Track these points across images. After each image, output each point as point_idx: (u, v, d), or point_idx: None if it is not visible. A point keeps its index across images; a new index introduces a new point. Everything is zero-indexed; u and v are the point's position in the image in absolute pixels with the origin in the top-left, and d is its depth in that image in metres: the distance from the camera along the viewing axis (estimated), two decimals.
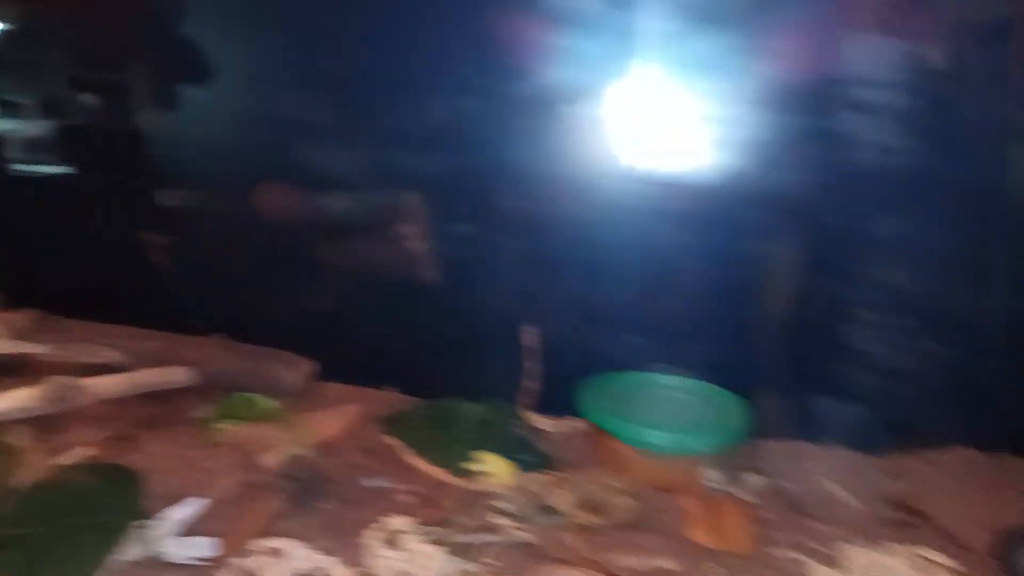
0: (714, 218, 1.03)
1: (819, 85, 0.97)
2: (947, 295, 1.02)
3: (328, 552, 0.74)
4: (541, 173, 1.06)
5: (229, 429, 0.86)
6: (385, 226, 1.12)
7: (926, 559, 0.80)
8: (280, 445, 0.86)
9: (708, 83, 0.98)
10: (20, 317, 1.07)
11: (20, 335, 1.04)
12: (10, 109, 1.24)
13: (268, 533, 0.77)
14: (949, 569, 0.79)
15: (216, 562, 0.72)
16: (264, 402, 0.87)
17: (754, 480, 0.95)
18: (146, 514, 0.75)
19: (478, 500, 0.85)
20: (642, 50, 0.99)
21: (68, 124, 1.21)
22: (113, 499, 0.73)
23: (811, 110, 0.97)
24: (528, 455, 0.96)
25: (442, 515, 0.81)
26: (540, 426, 1.06)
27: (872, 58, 0.95)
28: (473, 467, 0.91)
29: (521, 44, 1.01)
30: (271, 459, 0.85)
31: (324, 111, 1.11)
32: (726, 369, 1.05)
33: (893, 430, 1.05)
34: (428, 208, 1.12)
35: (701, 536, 0.82)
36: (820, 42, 0.96)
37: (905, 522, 0.90)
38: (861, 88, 0.96)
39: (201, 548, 0.73)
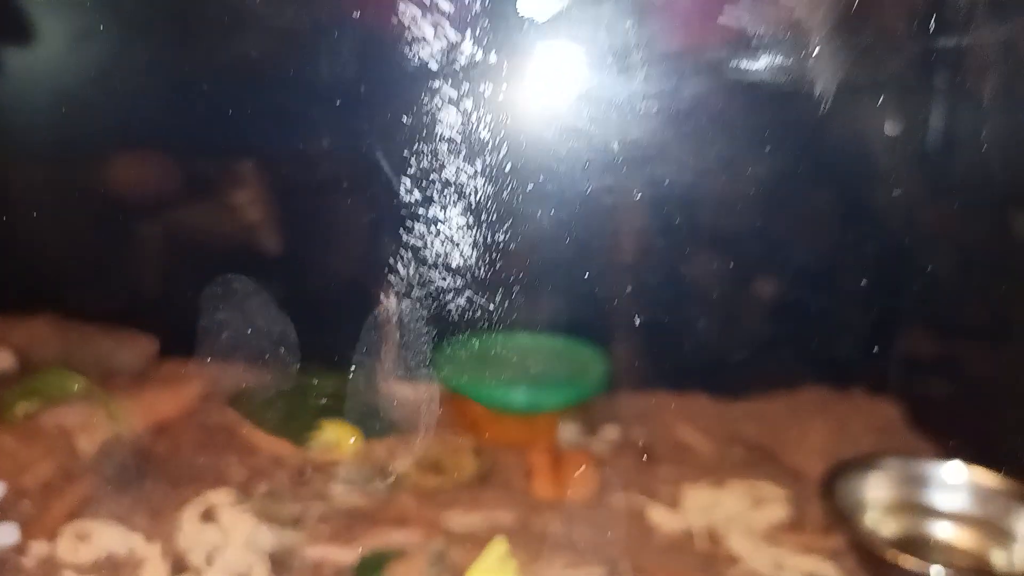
0: (562, 169, 1.01)
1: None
2: (796, 236, 1.03)
3: (141, 531, 0.70)
4: (387, 133, 1.02)
5: (23, 410, 0.81)
6: (219, 194, 1.07)
7: (761, 493, 0.80)
8: (100, 426, 0.81)
9: None
10: None
11: None
12: None
13: (79, 516, 0.72)
14: (781, 500, 0.80)
15: (17, 550, 0.68)
16: (70, 380, 0.81)
17: (610, 432, 0.94)
18: None
19: (317, 470, 0.82)
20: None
21: None
22: None
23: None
24: (378, 423, 0.93)
25: (273, 487, 0.78)
26: (396, 393, 1.03)
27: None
28: (316, 437, 0.87)
29: None
30: (89, 441, 0.80)
31: (154, 71, 1.04)
32: (584, 323, 1.03)
33: (748, 374, 1.05)
34: (264, 174, 1.07)
35: (543, 489, 0.81)
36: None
37: (751, 461, 0.91)
38: None
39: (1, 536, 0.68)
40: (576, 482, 0.82)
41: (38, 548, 0.67)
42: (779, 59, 0.87)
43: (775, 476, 0.86)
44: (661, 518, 0.78)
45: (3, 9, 1.05)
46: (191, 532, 0.68)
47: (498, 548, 0.66)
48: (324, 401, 0.96)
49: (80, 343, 1.03)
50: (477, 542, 0.70)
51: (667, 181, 0.99)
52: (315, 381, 0.99)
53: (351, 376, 1.01)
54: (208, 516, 0.71)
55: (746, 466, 0.90)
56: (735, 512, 0.78)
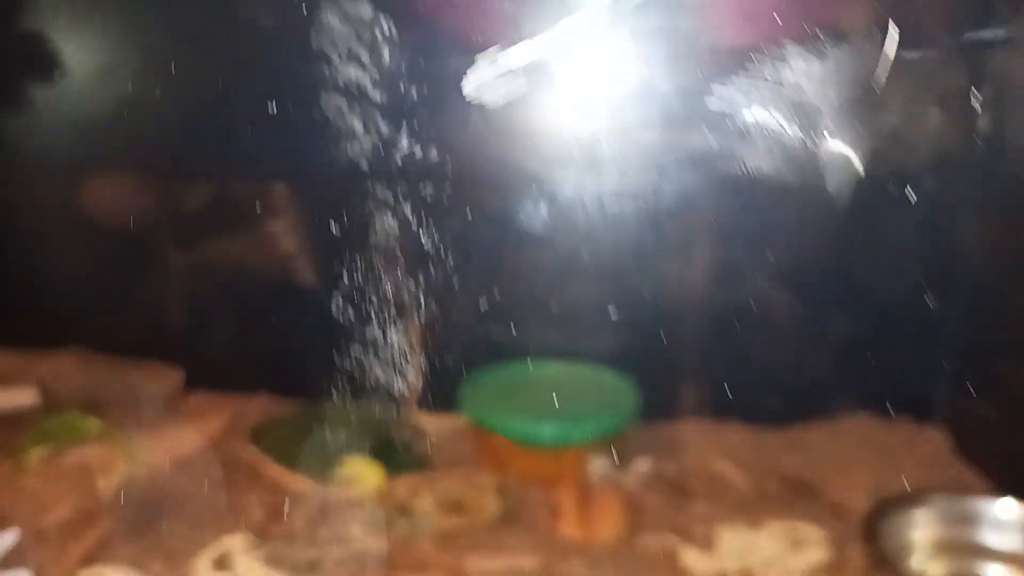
0: (589, 196, 0.98)
1: None
2: (840, 261, 0.99)
3: None
4: (422, 159, 1.00)
5: (39, 455, 0.80)
6: (251, 222, 1.06)
7: (800, 534, 0.77)
8: (119, 465, 0.80)
9: None
10: None
11: None
12: None
13: (94, 561, 0.71)
14: (821, 541, 0.76)
15: None
16: (87, 422, 0.80)
17: (641, 465, 0.91)
18: None
19: (334, 510, 0.80)
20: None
21: None
22: None
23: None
24: (402, 457, 0.91)
25: (290, 529, 0.76)
26: (422, 425, 1.01)
27: None
28: (337, 473, 0.85)
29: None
30: (108, 481, 0.79)
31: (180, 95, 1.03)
32: (613, 351, 1.00)
33: (787, 402, 1.01)
34: (298, 201, 1.06)
35: (570, 529, 0.78)
36: None
37: (789, 496, 0.87)
38: None
39: None
40: (605, 521, 0.79)
41: None
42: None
43: (815, 513, 0.82)
44: (694, 560, 0.74)
45: (29, 44, 1.05)
46: None
47: None
48: (346, 435, 0.94)
49: (105, 376, 1.03)
50: None
51: (697, 205, 0.96)
52: (337, 414, 0.97)
53: (374, 409, 0.99)
54: (222, 563, 0.69)
55: (784, 502, 0.86)
56: (772, 555, 0.74)
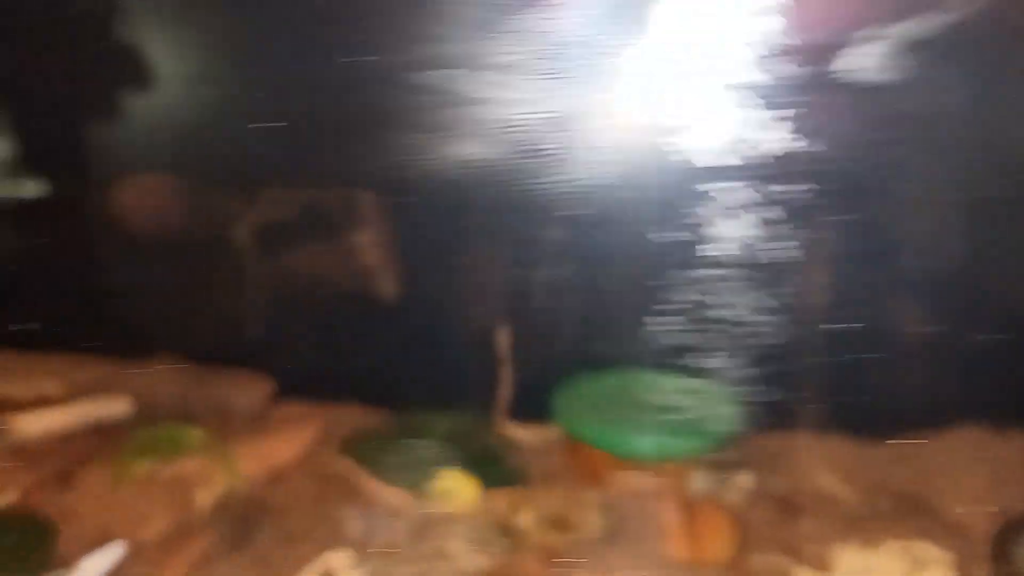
0: (698, 207, 0.95)
1: None
2: (949, 271, 0.95)
3: None
4: (512, 166, 0.98)
5: (143, 468, 0.79)
6: (337, 233, 1.05)
7: (920, 555, 0.73)
8: (217, 479, 0.79)
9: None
10: None
11: None
12: None
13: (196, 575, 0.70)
14: (942, 562, 0.72)
15: None
16: (189, 435, 0.80)
17: (744, 480, 0.87)
18: (58, 565, 0.69)
19: (434, 524, 0.78)
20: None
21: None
22: (19, 549, 0.67)
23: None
24: (497, 470, 0.89)
25: (390, 545, 0.74)
26: (515, 436, 0.99)
27: None
28: (433, 487, 0.83)
29: None
30: (206, 495, 0.79)
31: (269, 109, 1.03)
32: (716, 362, 0.97)
33: (892, 414, 0.97)
34: (384, 210, 1.05)
35: (678, 548, 0.75)
36: None
37: (902, 513, 0.83)
38: None
39: None
40: (713, 540, 0.76)
41: None
42: None
43: (931, 532, 0.78)
44: None
45: (124, 55, 1.06)
46: None
47: None
48: (439, 447, 0.92)
49: (197, 387, 1.03)
50: None
51: (812, 216, 0.93)
52: (428, 426, 0.96)
53: (467, 421, 0.97)
54: None
55: (897, 519, 0.82)
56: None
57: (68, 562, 0.71)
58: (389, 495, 0.85)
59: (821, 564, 0.73)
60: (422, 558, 0.72)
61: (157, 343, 1.06)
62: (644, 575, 0.71)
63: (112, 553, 0.70)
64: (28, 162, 1.13)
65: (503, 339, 1.01)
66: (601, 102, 0.93)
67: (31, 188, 1.13)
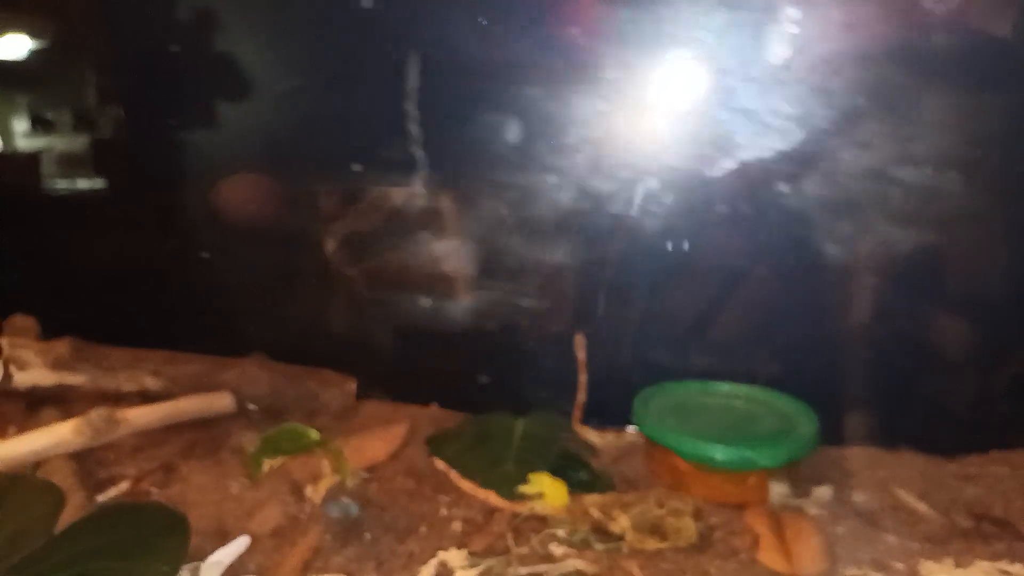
0: (777, 219, 0.97)
1: None
2: (1009, 286, 0.97)
3: None
4: (591, 170, 1.01)
5: (270, 466, 0.83)
6: (419, 236, 1.08)
7: (1012, 573, 0.75)
8: (325, 474, 0.82)
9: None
10: (57, 346, 1.04)
11: (57, 365, 1.02)
12: (42, 126, 1.21)
13: (313, 570, 0.73)
14: None
15: None
16: (310, 433, 0.83)
17: (824, 493, 0.90)
18: (192, 556, 0.72)
19: (531, 526, 0.81)
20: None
21: (100, 140, 1.18)
22: (157, 540, 0.70)
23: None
24: (581, 474, 0.92)
25: (495, 544, 0.77)
26: (592, 441, 1.02)
27: None
28: (524, 489, 0.86)
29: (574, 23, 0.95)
30: (316, 490, 0.82)
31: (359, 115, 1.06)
32: (790, 375, 1.00)
33: (965, 431, 0.99)
34: (466, 212, 1.07)
35: (772, 559, 0.78)
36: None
37: (983, 531, 0.85)
38: None
39: None
40: (805, 552, 0.78)
41: None
42: None
43: (1015, 551, 0.80)
44: None
45: (218, 67, 1.09)
46: None
47: None
48: (524, 450, 0.95)
49: (286, 384, 1.06)
50: None
51: (877, 230, 0.95)
52: (509, 428, 0.98)
53: (546, 425, 1.00)
54: None
55: (980, 537, 0.84)
56: None
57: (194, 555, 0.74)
58: (483, 495, 0.87)
59: None
60: (526, 559, 0.75)
61: (249, 342, 1.10)
62: None
63: (240, 544, 0.73)
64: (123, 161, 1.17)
65: (581, 345, 1.04)
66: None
67: (89, 186, 1.17)
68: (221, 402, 0.97)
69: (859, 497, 0.91)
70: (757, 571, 0.76)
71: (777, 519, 0.84)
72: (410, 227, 1.08)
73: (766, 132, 0.94)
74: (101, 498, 0.85)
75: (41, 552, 0.70)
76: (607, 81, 0.97)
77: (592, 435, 1.03)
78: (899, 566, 0.78)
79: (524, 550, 0.77)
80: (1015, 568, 0.76)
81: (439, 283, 1.10)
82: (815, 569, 0.76)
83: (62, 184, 1.21)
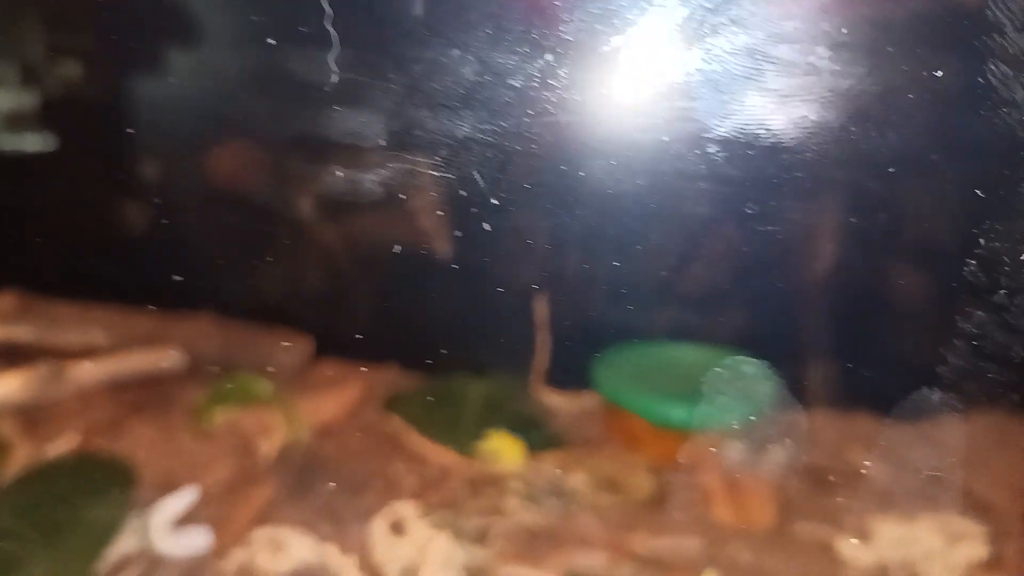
0: (741, 177, 0.97)
1: None
2: (979, 247, 0.98)
3: (330, 540, 0.70)
4: (559, 133, 1.00)
5: (222, 416, 0.81)
6: (391, 199, 1.06)
7: (957, 528, 0.76)
8: (276, 429, 0.81)
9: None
10: (1, 300, 1.02)
11: (2, 319, 0.99)
12: None
13: (265, 522, 0.72)
14: (978, 537, 0.76)
15: (213, 554, 0.68)
16: (260, 385, 0.82)
17: (779, 453, 0.90)
18: (139, 506, 0.71)
19: (487, 482, 0.81)
20: None
21: (47, 95, 1.15)
22: (104, 491, 0.69)
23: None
24: (539, 434, 0.92)
25: (449, 498, 0.77)
26: (551, 403, 1.01)
27: None
28: (480, 447, 0.86)
29: None
30: (267, 445, 0.81)
31: (323, 69, 1.04)
32: (748, 337, 1.00)
33: (916, 395, 1.00)
34: (438, 177, 1.06)
35: (724, 514, 0.78)
36: None
37: (931, 491, 0.86)
38: None
39: (196, 540, 0.68)
40: (758, 507, 0.79)
41: (235, 555, 0.68)
42: None
43: (962, 509, 0.82)
44: (852, 551, 0.74)
45: (168, 11, 1.06)
46: (385, 546, 0.67)
47: None
48: (480, 410, 0.95)
49: (240, 342, 1.04)
50: (667, 569, 0.68)
51: (862, 183, 0.95)
52: (469, 389, 0.98)
53: (504, 386, 1.00)
54: (397, 529, 0.71)
55: (927, 496, 0.85)
56: (931, 548, 0.74)
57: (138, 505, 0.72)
58: (438, 453, 0.87)
59: (861, 534, 0.77)
60: (481, 512, 0.74)
61: (200, 299, 1.08)
62: (694, 538, 0.74)
63: (187, 496, 0.72)
64: (58, 114, 1.14)
65: (541, 306, 1.03)
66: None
67: (37, 142, 1.14)
68: (169, 358, 0.95)
69: (811, 457, 0.91)
70: (709, 525, 0.77)
71: (731, 477, 0.84)
72: (375, 188, 1.06)
73: None
74: (48, 453, 0.83)
75: None
76: None
77: (551, 397, 1.03)
78: (850, 520, 0.79)
79: (477, 503, 0.76)
80: (957, 520, 0.77)
81: (399, 243, 1.08)
82: (765, 522, 0.77)
83: (7, 139, 1.17)
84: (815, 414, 1.00)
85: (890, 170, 0.91)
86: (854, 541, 0.74)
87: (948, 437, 0.96)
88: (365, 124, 1.04)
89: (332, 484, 0.79)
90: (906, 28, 0.85)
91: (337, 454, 0.86)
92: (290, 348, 1.05)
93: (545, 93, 0.98)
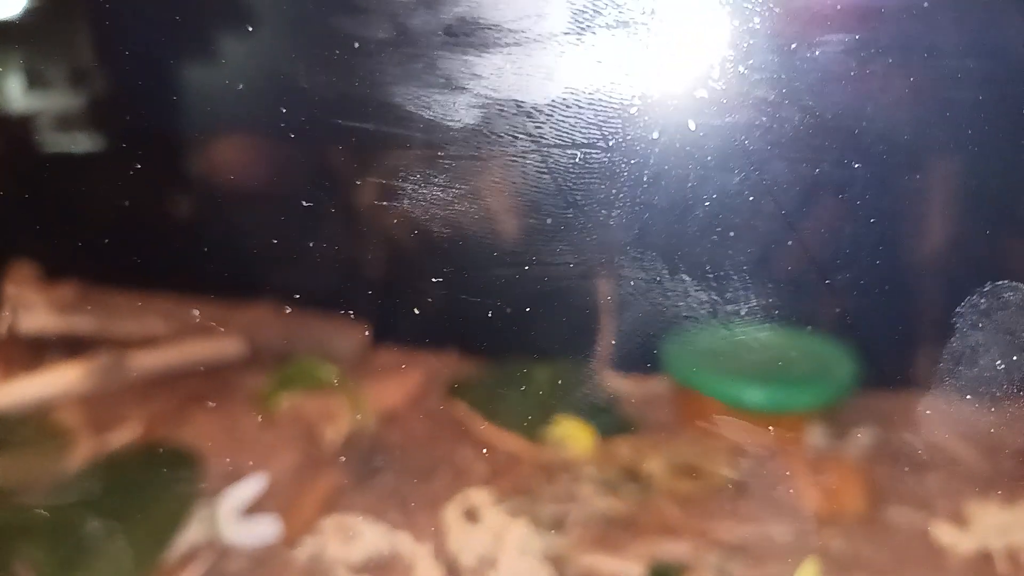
0: (817, 157, 0.93)
1: None
2: None
3: (401, 528, 0.68)
4: (621, 110, 0.96)
5: (288, 401, 0.79)
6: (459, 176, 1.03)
7: None
8: (341, 416, 0.79)
9: None
10: (61, 290, 1.01)
11: (62, 309, 0.98)
12: (39, 82, 1.17)
13: (333, 510, 0.70)
14: None
15: (282, 543, 0.66)
16: (325, 369, 0.80)
17: (863, 436, 0.86)
18: (205, 495, 0.69)
19: (559, 468, 0.78)
20: None
21: (95, 89, 1.14)
22: (170, 481, 0.67)
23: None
24: (608, 418, 0.88)
25: (521, 485, 0.74)
26: (620, 387, 0.98)
27: None
28: (549, 433, 0.83)
29: None
30: (332, 431, 0.79)
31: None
32: (828, 317, 0.96)
33: (1011, 376, 0.95)
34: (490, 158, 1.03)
35: (811, 500, 0.74)
36: None
37: None
38: None
39: (265, 528, 0.67)
40: (844, 493, 0.75)
41: (306, 544, 0.66)
42: None
43: None
44: (950, 538, 0.70)
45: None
46: (459, 533, 0.65)
47: (810, 571, 0.60)
48: (549, 395, 0.92)
49: (297, 330, 1.02)
50: (755, 557, 0.65)
51: (944, 164, 0.90)
52: (535, 374, 0.95)
53: (574, 368, 0.96)
54: (471, 516, 0.68)
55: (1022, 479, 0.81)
56: None
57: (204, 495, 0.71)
58: (506, 440, 0.84)
59: (958, 519, 0.72)
60: (556, 499, 0.71)
61: (259, 287, 1.06)
62: (782, 526, 0.70)
63: (255, 484, 0.70)
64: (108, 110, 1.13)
65: (606, 289, 1.00)
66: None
67: (87, 141, 1.14)
68: (228, 346, 0.94)
69: (898, 440, 0.87)
70: (796, 512, 0.73)
71: (814, 462, 0.80)
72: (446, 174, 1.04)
73: None
74: (111, 442, 0.82)
75: (52, 495, 0.68)
76: None
77: (618, 381, 0.99)
78: (944, 505, 0.74)
79: (551, 490, 0.73)
80: None
81: (459, 229, 1.06)
82: (855, 508, 0.73)
83: (63, 137, 1.17)
84: (898, 397, 0.95)
85: None
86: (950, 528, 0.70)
87: None
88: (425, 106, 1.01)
89: (399, 470, 0.76)
90: None
91: (403, 441, 0.84)
92: (348, 334, 1.03)
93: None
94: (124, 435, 0.83)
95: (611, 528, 0.69)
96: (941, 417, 0.92)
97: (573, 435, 0.83)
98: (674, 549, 0.66)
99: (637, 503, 0.72)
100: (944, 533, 0.70)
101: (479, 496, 0.70)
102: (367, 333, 1.05)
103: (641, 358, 0.97)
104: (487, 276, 1.04)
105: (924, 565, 0.67)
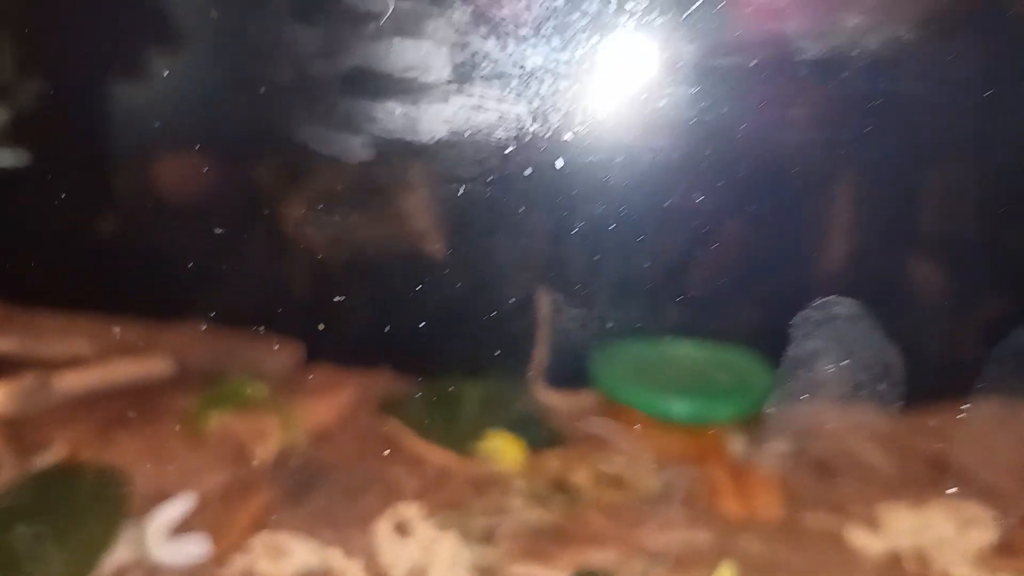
0: (739, 175, 0.96)
1: None
2: (987, 233, 0.97)
3: (333, 544, 0.68)
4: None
5: (217, 420, 0.79)
6: (382, 199, 1.04)
7: (967, 514, 0.75)
8: (272, 434, 0.79)
9: None
10: None
11: None
12: None
13: (264, 528, 0.70)
14: (988, 522, 0.75)
15: (212, 561, 0.66)
16: (255, 388, 0.80)
17: (780, 446, 0.89)
18: (132, 516, 0.69)
19: (489, 482, 0.79)
20: None
21: (20, 108, 1.12)
22: (96, 501, 0.66)
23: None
24: (538, 432, 0.90)
25: (452, 499, 0.75)
26: (550, 401, 1.00)
27: None
28: (480, 447, 0.84)
29: None
30: (263, 450, 0.79)
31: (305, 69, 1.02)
32: (747, 332, 0.99)
33: (917, 384, 1.00)
34: (430, 175, 1.04)
35: (730, 507, 0.77)
36: None
37: (938, 479, 0.86)
38: None
39: (193, 548, 0.66)
40: (764, 500, 0.78)
41: (235, 561, 0.66)
42: None
43: (968, 495, 0.81)
44: (863, 540, 0.73)
45: (151, 16, 1.04)
46: (390, 548, 0.66)
47: (726, 574, 0.62)
48: (479, 411, 0.93)
49: (227, 349, 1.02)
50: (678, 563, 0.67)
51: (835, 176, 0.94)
52: (466, 390, 0.97)
53: (504, 384, 0.98)
54: (402, 530, 0.69)
55: (934, 484, 0.85)
56: (943, 535, 0.73)
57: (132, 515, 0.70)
58: (437, 455, 0.85)
59: (870, 522, 0.76)
60: (487, 512, 0.73)
61: (187, 306, 1.05)
62: (704, 532, 0.72)
63: (183, 503, 0.70)
64: (35, 127, 1.11)
65: (543, 304, 1.02)
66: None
67: (12, 157, 1.12)
68: (154, 366, 0.93)
69: (814, 449, 0.90)
70: (717, 518, 0.76)
71: (735, 470, 0.83)
72: (362, 190, 1.04)
73: None
74: (36, 464, 0.81)
75: None
76: None
77: (549, 396, 1.01)
78: (858, 510, 0.78)
79: (481, 503, 0.75)
80: (967, 505, 0.77)
81: (390, 246, 1.07)
82: (773, 514, 0.76)
83: None
84: (816, 405, 0.99)
85: None
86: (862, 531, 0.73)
87: (945, 426, 0.96)
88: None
89: (330, 487, 0.77)
90: None
91: (334, 458, 0.84)
92: (279, 353, 1.03)
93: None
94: (49, 456, 0.81)
95: (540, 539, 0.70)
96: (854, 426, 0.96)
97: (504, 449, 0.85)
98: (601, 557, 0.68)
99: (565, 514, 0.74)
100: (857, 536, 0.73)
101: (410, 510, 0.70)
102: (298, 352, 1.06)
103: (568, 374, 1.00)
104: (407, 296, 1.05)
105: (838, 566, 0.70)
